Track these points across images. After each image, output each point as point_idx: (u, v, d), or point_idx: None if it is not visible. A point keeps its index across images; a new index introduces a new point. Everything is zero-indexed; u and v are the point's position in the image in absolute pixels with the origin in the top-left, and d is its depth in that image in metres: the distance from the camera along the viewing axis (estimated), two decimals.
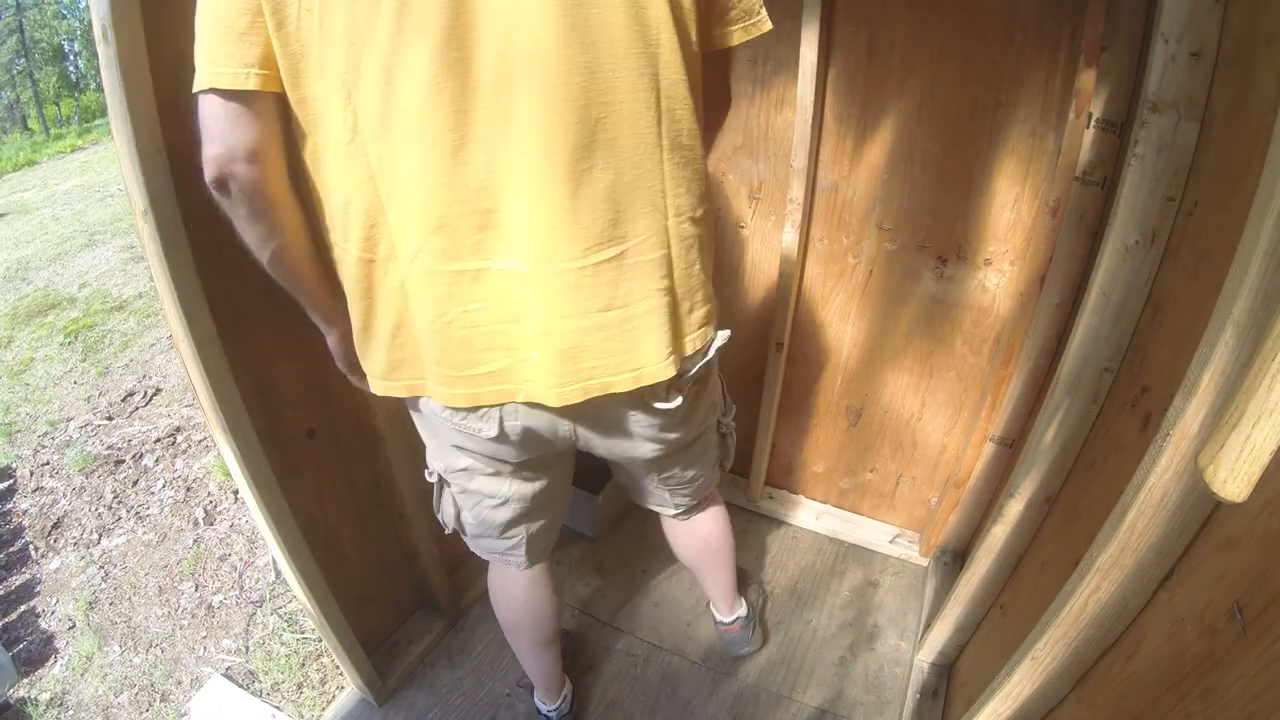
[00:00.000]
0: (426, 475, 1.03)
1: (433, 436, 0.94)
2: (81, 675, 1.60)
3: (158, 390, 2.84)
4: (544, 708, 1.33)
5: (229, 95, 0.66)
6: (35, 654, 1.66)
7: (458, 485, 0.98)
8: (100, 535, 2.05)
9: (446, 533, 1.11)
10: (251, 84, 0.65)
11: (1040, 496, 1.12)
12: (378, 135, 0.67)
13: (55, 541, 2.04)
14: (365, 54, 0.64)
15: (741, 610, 1.44)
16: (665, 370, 0.78)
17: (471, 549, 1.12)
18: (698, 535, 1.26)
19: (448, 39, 0.63)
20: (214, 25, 0.64)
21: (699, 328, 0.82)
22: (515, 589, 1.15)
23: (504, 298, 0.73)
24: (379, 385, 0.84)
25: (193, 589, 1.84)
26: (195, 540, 2.01)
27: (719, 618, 1.45)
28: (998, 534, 1.19)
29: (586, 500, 1.74)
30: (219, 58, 0.65)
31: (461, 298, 0.73)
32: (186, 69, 0.84)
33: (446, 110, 0.65)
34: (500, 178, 0.68)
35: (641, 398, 0.82)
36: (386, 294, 0.75)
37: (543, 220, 0.69)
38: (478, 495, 0.98)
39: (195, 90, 0.66)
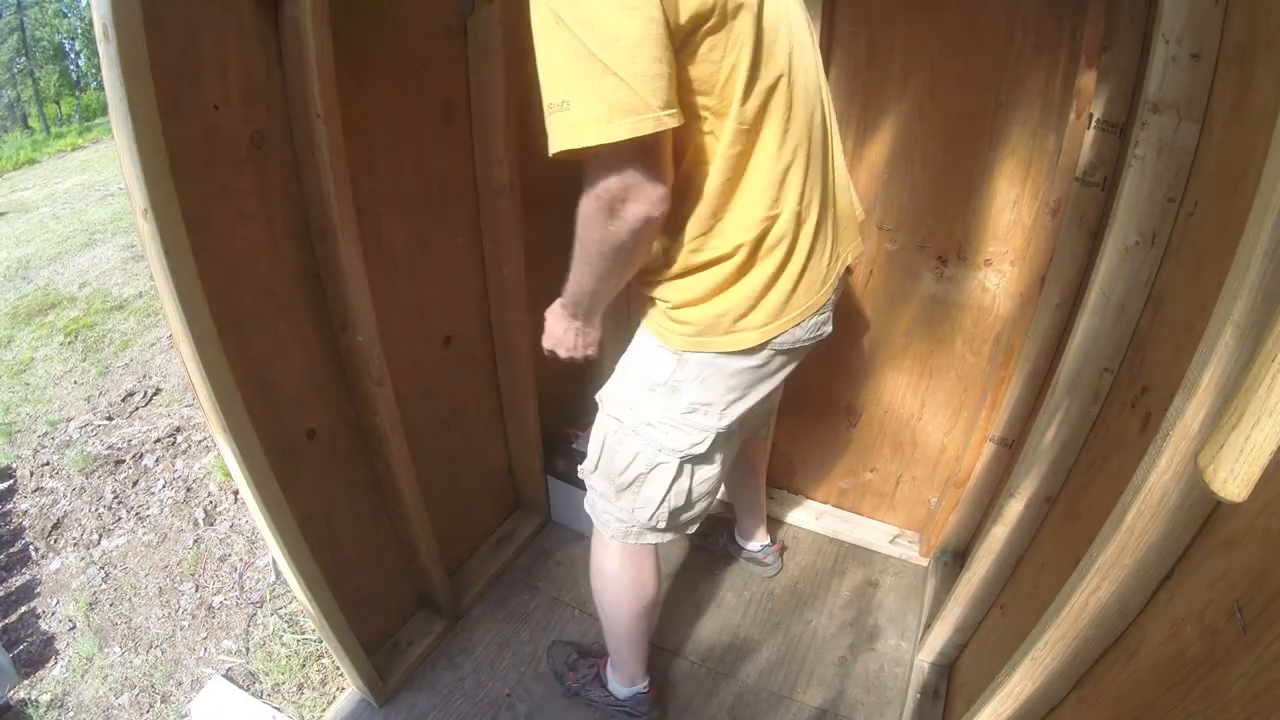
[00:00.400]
0: (676, 462, 1.00)
1: (732, 390, 0.96)
2: (82, 676, 1.60)
3: (158, 390, 2.84)
4: (631, 689, 1.32)
5: (664, 137, 0.71)
6: (35, 655, 1.66)
7: (722, 453, 1.04)
8: (100, 536, 2.05)
9: (662, 528, 1.08)
10: (681, 119, 0.72)
11: (1040, 496, 1.12)
12: (807, 120, 0.86)
13: (55, 542, 2.04)
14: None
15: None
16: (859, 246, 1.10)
17: (659, 536, 1.10)
18: (758, 447, 1.51)
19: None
20: (647, 74, 0.66)
21: None
22: (652, 564, 1.16)
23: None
24: (768, 330, 0.91)
25: (193, 590, 1.84)
26: (195, 541, 2.01)
27: (761, 545, 1.67)
28: (998, 534, 1.19)
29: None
30: (667, 102, 0.68)
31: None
32: (188, 69, 0.84)
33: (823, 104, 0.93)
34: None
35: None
36: (804, 239, 0.89)
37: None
38: (728, 451, 1.06)
39: (641, 134, 0.67)
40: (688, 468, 1.02)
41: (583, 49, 0.65)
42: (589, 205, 0.75)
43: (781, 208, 0.86)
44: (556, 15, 0.66)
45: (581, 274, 0.86)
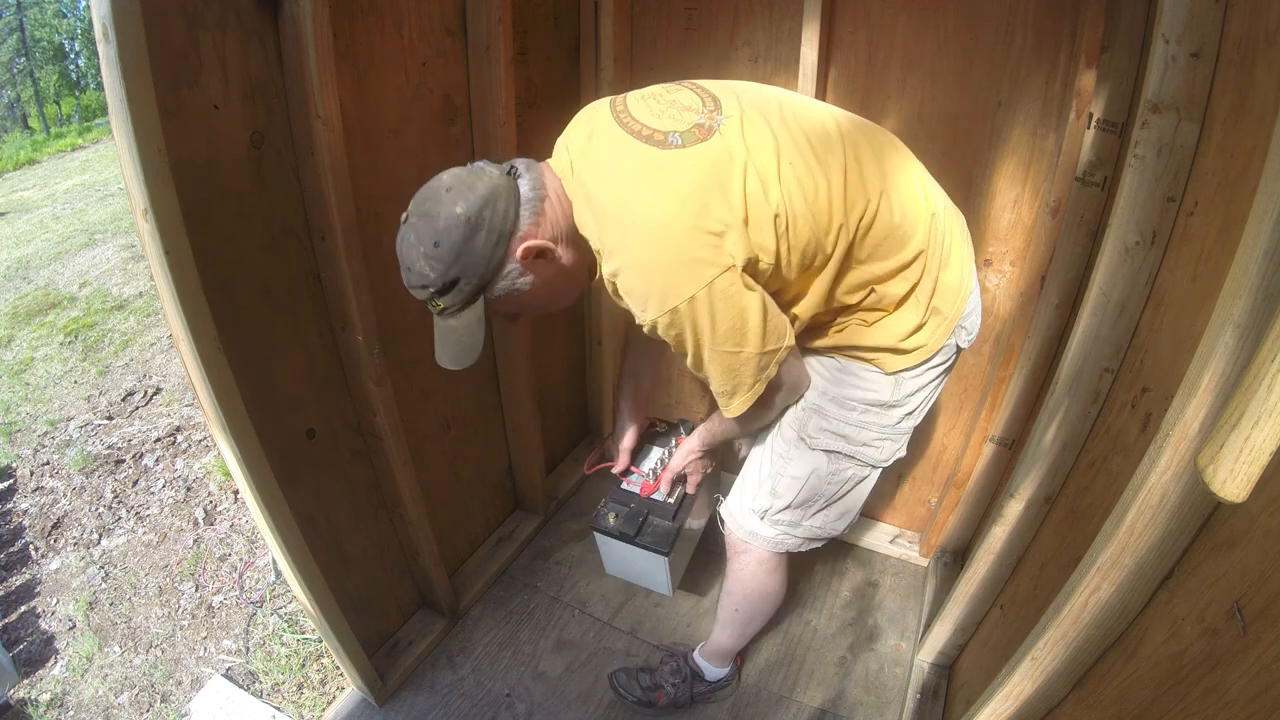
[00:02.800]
0: (878, 472, 1.12)
1: (931, 390, 1.05)
2: (82, 676, 1.60)
3: (158, 390, 2.84)
4: (727, 667, 1.40)
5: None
6: (35, 654, 1.66)
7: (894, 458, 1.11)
8: (100, 535, 2.05)
9: (839, 532, 1.18)
10: (791, 338, 0.92)
11: (1040, 496, 1.12)
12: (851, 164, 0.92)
13: (55, 541, 2.04)
14: None
15: None
16: None
17: (818, 542, 1.20)
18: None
19: None
20: (771, 333, 0.87)
21: None
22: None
23: None
24: (934, 345, 0.98)
25: (193, 589, 1.84)
26: (195, 540, 2.01)
27: None
28: (998, 534, 1.19)
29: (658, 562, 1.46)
30: (781, 335, 0.88)
31: None
32: (188, 68, 0.84)
33: None
34: None
35: None
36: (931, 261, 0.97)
37: None
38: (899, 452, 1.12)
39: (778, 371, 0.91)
40: (873, 476, 1.14)
41: (731, 360, 0.87)
42: (756, 406, 0.93)
43: (927, 252, 0.94)
44: (699, 347, 0.86)
45: (730, 431, 1.13)
